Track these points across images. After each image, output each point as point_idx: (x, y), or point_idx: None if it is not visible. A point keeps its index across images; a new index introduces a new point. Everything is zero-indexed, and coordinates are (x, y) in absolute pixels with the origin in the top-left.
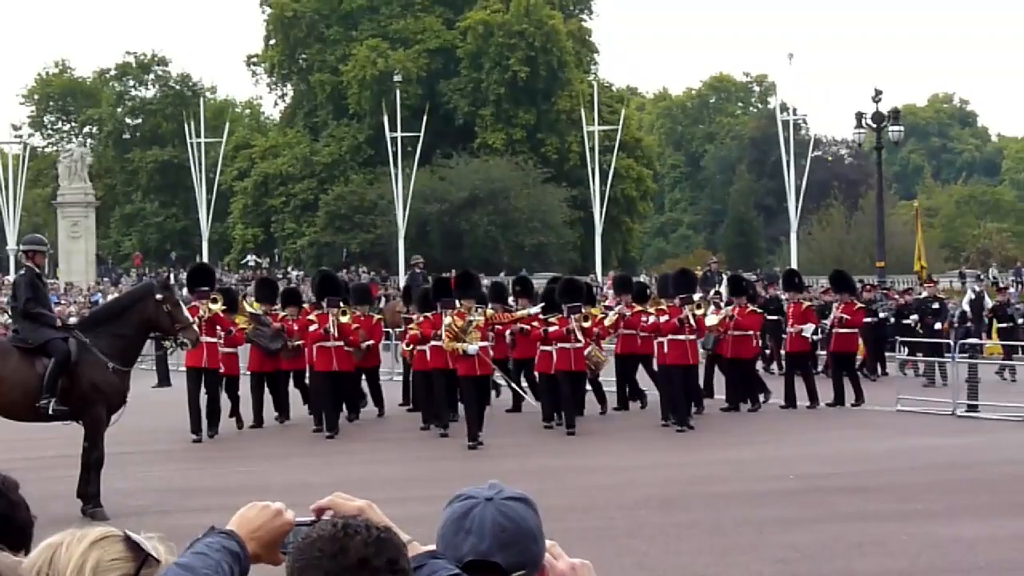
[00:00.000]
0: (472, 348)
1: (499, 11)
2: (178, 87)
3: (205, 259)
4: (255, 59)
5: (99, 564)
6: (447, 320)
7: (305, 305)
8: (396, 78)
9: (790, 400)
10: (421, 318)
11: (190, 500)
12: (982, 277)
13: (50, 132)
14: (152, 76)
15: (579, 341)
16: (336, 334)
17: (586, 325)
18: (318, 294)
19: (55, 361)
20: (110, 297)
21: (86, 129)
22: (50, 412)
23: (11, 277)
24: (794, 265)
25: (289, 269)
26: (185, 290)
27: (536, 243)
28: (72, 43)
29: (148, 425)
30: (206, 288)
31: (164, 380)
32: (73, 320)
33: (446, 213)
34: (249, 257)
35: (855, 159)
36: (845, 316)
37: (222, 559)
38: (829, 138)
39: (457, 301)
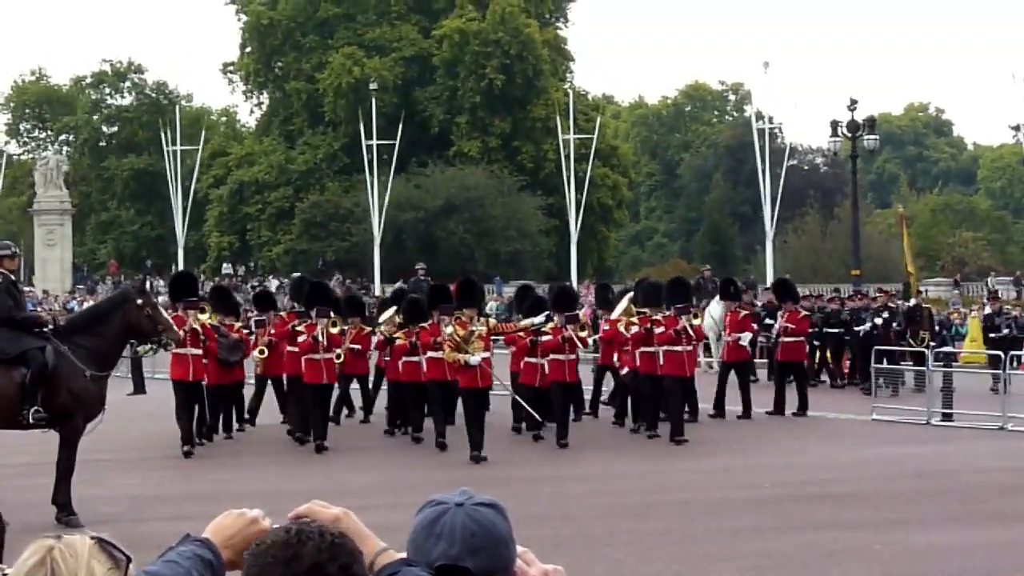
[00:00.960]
0: (474, 359)
1: (475, 19)
2: (154, 95)
3: (181, 267)
4: (231, 67)
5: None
6: (448, 330)
7: (283, 313)
8: (372, 86)
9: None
10: (391, 327)
11: (164, 508)
12: (991, 287)
13: (26, 140)
14: (128, 84)
15: (574, 352)
16: (326, 344)
17: (583, 334)
18: (307, 303)
19: (32, 372)
20: (86, 305)
21: (62, 137)
22: (31, 421)
23: None
24: (770, 274)
25: (270, 278)
26: (162, 299)
27: (511, 251)
28: (48, 51)
29: (123, 432)
30: (194, 298)
31: (139, 387)
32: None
33: (422, 221)
34: (225, 265)
35: (831, 168)
36: (790, 325)
37: (192, 567)
38: (805, 146)
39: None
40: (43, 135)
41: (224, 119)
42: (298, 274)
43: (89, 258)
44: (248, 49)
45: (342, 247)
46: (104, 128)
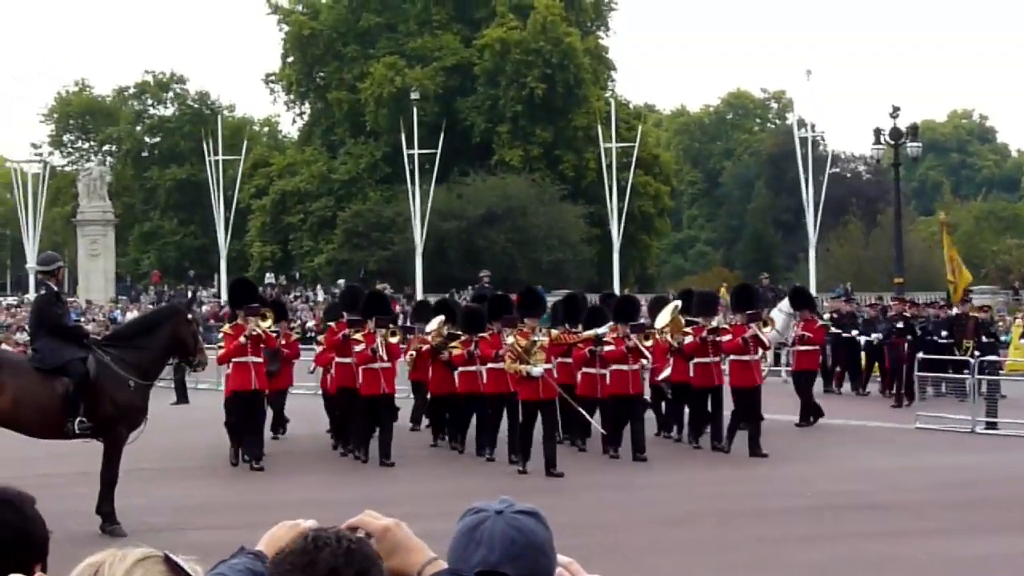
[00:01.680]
0: (536, 370)
1: (516, 28)
2: (196, 105)
3: (223, 277)
4: (273, 77)
5: None
6: (509, 340)
7: (332, 324)
8: (413, 95)
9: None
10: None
11: (207, 517)
12: None
13: (69, 151)
14: (170, 95)
15: (637, 363)
16: (385, 355)
17: (648, 344)
18: (365, 312)
19: (74, 382)
20: (129, 315)
21: (105, 148)
22: (76, 432)
23: (30, 295)
24: (812, 282)
25: (318, 288)
26: (204, 307)
27: (553, 260)
28: (91, 62)
29: (166, 442)
30: (256, 304)
31: (182, 397)
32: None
33: (463, 230)
34: (268, 275)
35: (873, 175)
36: (806, 334)
37: None
38: (847, 154)
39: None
40: (86, 146)
41: (266, 129)
42: (344, 281)
43: (132, 268)
44: (290, 59)
45: (384, 256)
46: (146, 139)
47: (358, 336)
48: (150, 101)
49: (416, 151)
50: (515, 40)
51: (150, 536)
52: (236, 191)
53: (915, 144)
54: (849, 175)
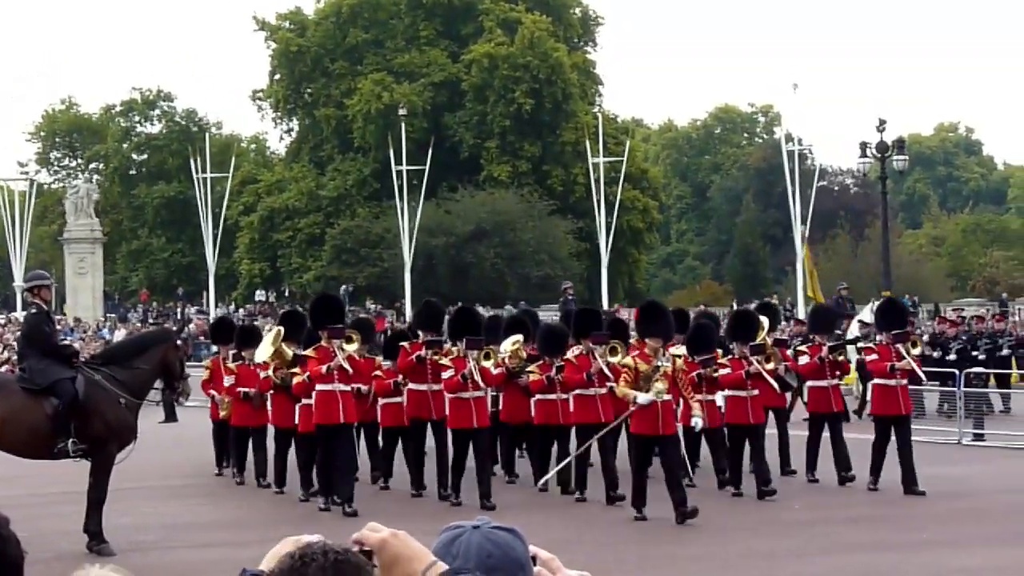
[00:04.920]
0: (644, 398)
1: (504, 44)
2: (184, 123)
3: (212, 294)
4: (260, 94)
5: None
6: (627, 361)
7: (404, 344)
8: (401, 112)
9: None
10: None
11: (195, 535)
12: None
13: (56, 169)
14: (158, 112)
15: (756, 389)
16: (479, 381)
17: (770, 367)
18: (453, 333)
19: (63, 403)
20: (117, 333)
21: (92, 165)
22: (71, 453)
23: (16, 314)
24: (800, 296)
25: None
26: (192, 325)
27: (542, 275)
28: (78, 80)
29: (154, 460)
30: (340, 325)
31: (171, 415)
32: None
33: (452, 246)
34: (259, 292)
35: (861, 188)
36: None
37: None
38: (835, 168)
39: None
40: (73, 164)
41: (254, 146)
42: (431, 299)
43: (120, 286)
44: (277, 76)
45: (373, 273)
46: (134, 156)
47: (445, 361)
48: (137, 118)
49: (404, 167)
50: (502, 55)
51: (137, 555)
52: (224, 208)
53: (901, 157)
54: (837, 188)
